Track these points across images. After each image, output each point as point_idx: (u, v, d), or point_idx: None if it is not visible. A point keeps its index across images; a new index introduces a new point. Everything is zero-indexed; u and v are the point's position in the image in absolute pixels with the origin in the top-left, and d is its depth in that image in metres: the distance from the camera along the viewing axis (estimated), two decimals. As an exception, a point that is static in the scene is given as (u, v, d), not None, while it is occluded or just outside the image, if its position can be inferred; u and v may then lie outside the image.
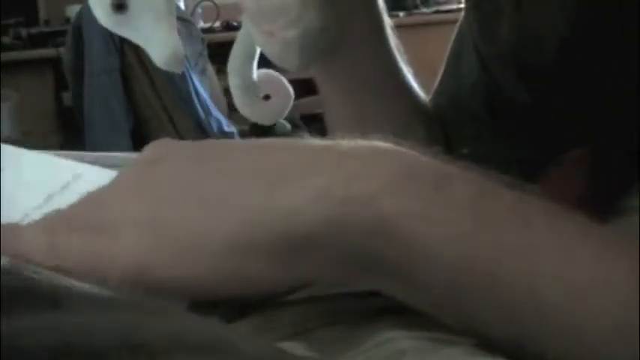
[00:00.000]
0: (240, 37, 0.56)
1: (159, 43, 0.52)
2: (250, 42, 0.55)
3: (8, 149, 0.56)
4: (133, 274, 0.37)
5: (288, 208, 0.36)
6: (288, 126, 3.09)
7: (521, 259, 0.36)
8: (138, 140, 2.65)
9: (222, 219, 0.37)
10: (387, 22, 0.60)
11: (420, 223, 0.36)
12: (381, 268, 0.37)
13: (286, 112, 0.58)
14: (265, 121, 0.57)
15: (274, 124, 3.16)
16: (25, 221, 0.50)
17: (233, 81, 0.56)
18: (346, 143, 0.38)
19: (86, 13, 2.65)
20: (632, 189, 0.50)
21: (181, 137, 2.37)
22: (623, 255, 0.37)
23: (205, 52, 3.03)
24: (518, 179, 0.61)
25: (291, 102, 0.58)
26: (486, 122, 0.63)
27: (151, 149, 0.42)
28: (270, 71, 0.57)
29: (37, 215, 0.50)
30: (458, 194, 0.37)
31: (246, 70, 0.55)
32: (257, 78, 0.56)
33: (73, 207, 0.42)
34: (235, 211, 0.37)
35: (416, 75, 0.63)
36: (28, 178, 0.54)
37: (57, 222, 0.41)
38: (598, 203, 0.54)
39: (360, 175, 0.36)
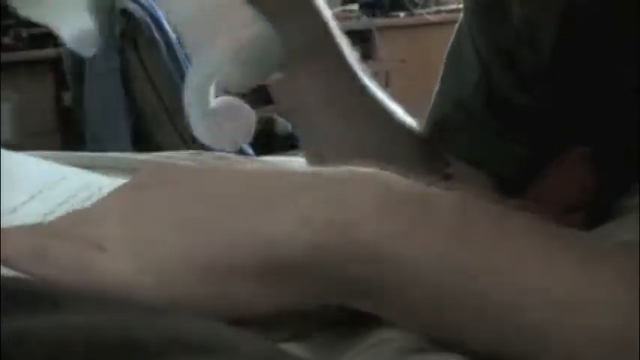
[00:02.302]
0: (203, 53, 0.51)
1: (67, 22, 0.50)
2: (212, 59, 0.50)
3: None
4: (124, 292, 0.37)
5: (273, 234, 0.36)
6: (289, 126, 3.10)
7: (507, 276, 0.36)
8: (138, 140, 2.65)
9: (204, 242, 0.37)
10: (339, 35, 0.59)
11: (405, 246, 0.36)
12: (367, 291, 0.37)
13: (249, 138, 0.52)
14: (226, 147, 0.53)
15: (274, 125, 3.16)
16: (13, 218, 0.50)
17: (190, 101, 0.50)
18: (330, 170, 0.39)
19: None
20: (632, 189, 0.50)
21: (181, 137, 2.37)
22: (611, 266, 0.37)
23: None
24: (519, 179, 0.61)
25: (254, 127, 0.52)
26: (487, 122, 0.63)
27: (141, 174, 0.43)
28: (229, 97, 0.52)
29: (24, 210, 0.51)
30: (441, 214, 0.37)
31: (204, 93, 0.50)
32: (216, 105, 0.51)
33: (61, 219, 0.43)
34: (219, 234, 0.37)
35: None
36: (15, 175, 0.54)
37: (46, 230, 0.42)
38: (598, 203, 0.54)
39: (343, 200, 0.37)
